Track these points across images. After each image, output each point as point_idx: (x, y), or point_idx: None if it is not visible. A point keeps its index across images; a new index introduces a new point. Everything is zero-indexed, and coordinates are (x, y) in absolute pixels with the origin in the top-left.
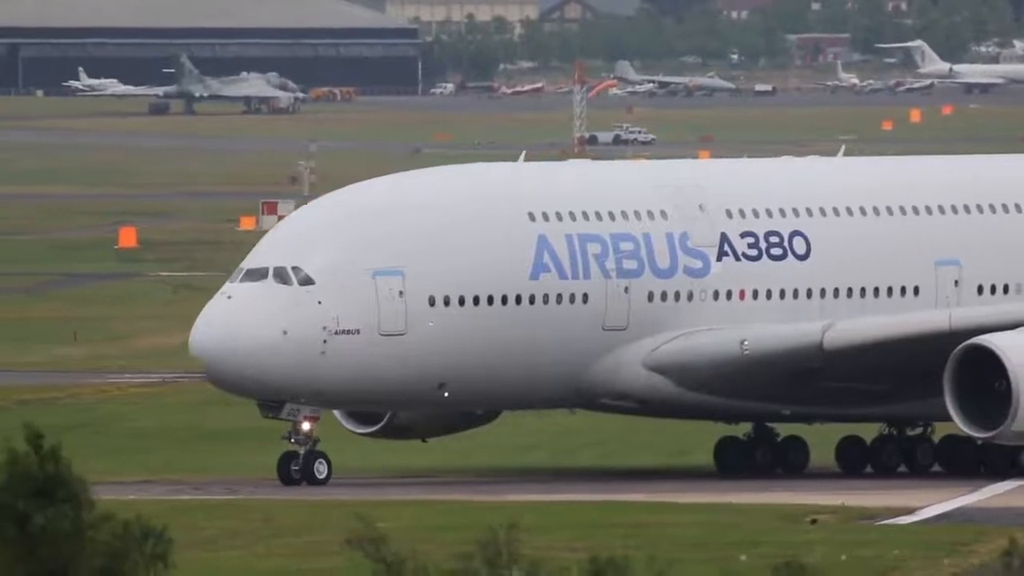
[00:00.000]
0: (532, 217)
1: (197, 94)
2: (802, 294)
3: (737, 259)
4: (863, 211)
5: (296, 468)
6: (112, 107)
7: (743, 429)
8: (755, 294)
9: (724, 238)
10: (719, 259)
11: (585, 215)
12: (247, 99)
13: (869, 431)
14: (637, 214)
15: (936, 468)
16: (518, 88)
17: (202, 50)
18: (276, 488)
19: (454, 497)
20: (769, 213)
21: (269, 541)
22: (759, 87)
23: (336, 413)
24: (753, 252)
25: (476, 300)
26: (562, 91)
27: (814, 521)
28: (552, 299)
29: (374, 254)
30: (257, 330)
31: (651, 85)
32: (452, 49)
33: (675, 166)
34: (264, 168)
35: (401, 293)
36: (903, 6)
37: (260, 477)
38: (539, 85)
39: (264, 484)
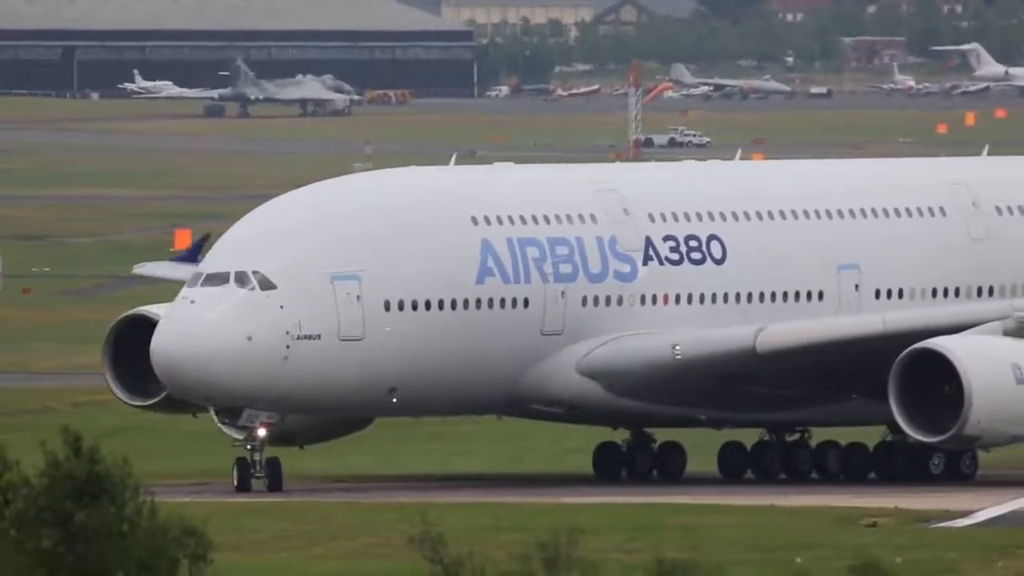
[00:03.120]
0: (475, 221)
1: (252, 97)
2: (720, 298)
3: (662, 263)
4: (771, 215)
5: (259, 475)
6: (167, 110)
7: (623, 435)
8: (677, 299)
9: (648, 242)
10: (645, 263)
11: (523, 219)
12: (302, 102)
13: (751, 436)
14: (569, 218)
15: (814, 474)
16: (574, 91)
17: (257, 53)
18: (332, 490)
19: (509, 499)
20: (687, 217)
21: (324, 543)
22: (814, 90)
23: (217, 421)
24: (675, 256)
25: (428, 305)
26: (617, 93)
27: (874, 524)
28: (496, 303)
29: (332, 258)
30: (222, 335)
31: (706, 88)
32: (507, 51)
33: (602, 169)
34: (319, 170)
35: (359, 298)
36: (958, 9)
37: (315, 480)
38: (595, 87)
39: (319, 487)
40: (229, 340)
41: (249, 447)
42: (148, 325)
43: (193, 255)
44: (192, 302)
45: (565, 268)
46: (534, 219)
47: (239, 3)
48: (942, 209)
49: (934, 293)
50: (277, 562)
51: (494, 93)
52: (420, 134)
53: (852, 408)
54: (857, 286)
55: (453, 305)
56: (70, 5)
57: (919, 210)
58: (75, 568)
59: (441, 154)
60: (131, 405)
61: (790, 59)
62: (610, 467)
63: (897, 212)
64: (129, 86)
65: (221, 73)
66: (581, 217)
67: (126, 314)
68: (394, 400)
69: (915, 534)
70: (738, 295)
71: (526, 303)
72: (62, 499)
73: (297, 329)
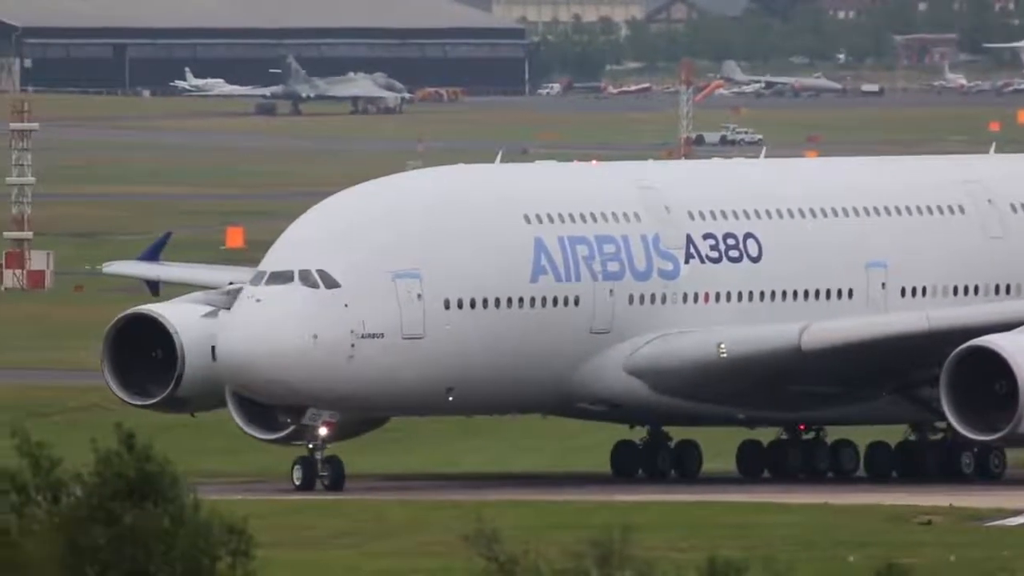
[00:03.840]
0: (527, 219)
1: (304, 94)
2: (756, 297)
3: (703, 261)
4: (802, 213)
5: (324, 475)
6: (218, 107)
7: (639, 434)
8: (717, 297)
9: (689, 240)
10: (686, 261)
11: (572, 217)
12: (354, 99)
13: (768, 435)
14: (615, 216)
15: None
16: (625, 88)
17: (309, 50)
18: (386, 488)
19: (564, 497)
20: (724, 215)
21: (378, 541)
22: (866, 87)
23: (237, 420)
24: (714, 254)
25: (485, 303)
26: (669, 91)
27: (929, 522)
28: (549, 302)
29: (393, 256)
30: (289, 335)
31: (758, 85)
32: (559, 49)
33: (641, 168)
34: (370, 168)
35: (420, 296)
36: (1011, 6)
37: (370, 478)
38: (646, 85)
39: (375, 485)
40: (296, 339)
41: (311, 446)
42: (148, 324)
43: (154, 254)
44: (258, 301)
45: (613, 266)
46: (582, 217)
47: (290, 1)
48: (961, 207)
49: (955, 291)
50: (331, 559)
51: (545, 91)
52: (471, 132)
53: (880, 406)
54: (884, 284)
55: (508, 303)
56: (122, 3)
57: (939, 208)
58: (124, 567)
59: (492, 152)
60: (131, 404)
61: (842, 57)
62: (627, 465)
63: (919, 210)
64: (180, 84)
65: (272, 71)
66: (626, 215)
67: (126, 313)
68: (450, 399)
69: (969, 532)
70: (773, 293)
71: (576, 301)
72: (112, 498)
73: (361, 328)
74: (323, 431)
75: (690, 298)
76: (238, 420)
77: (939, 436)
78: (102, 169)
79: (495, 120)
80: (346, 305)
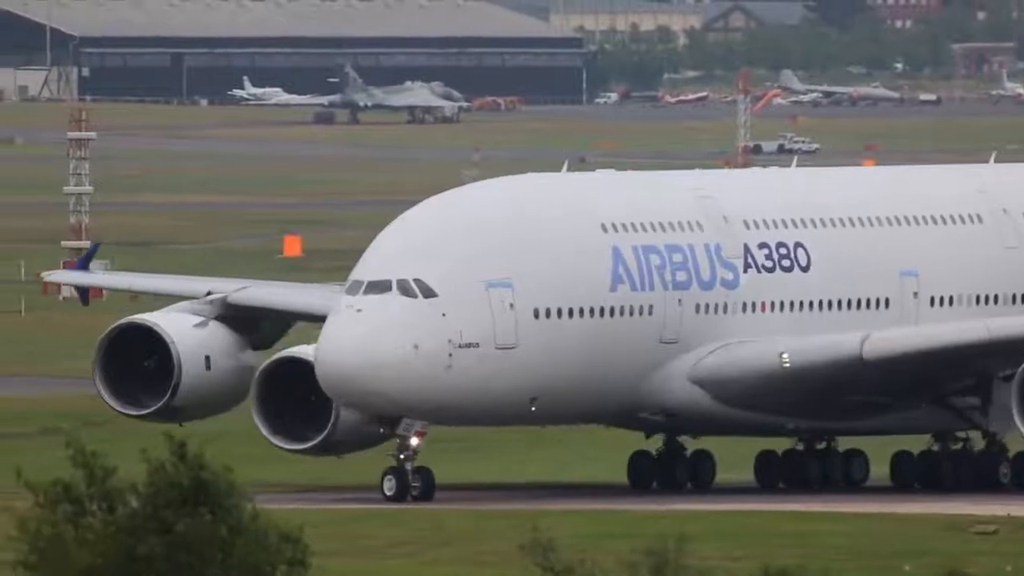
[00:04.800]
0: (604, 228)
1: (361, 103)
2: (806, 306)
3: (759, 271)
4: (842, 223)
5: (415, 486)
6: (277, 116)
7: (656, 444)
8: (772, 306)
9: (747, 249)
10: (745, 271)
11: (643, 226)
12: (411, 108)
13: (783, 445)
14: (681, 225)
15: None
16: (682, 97)
17: (366, 59)
18: (442, 497)
19: (620, 507)
20: (775, 224)
21: (436, 550)
22: (923, 96)
23: (263, 430)
24: (769, 264)
25: (570, 312)
26: (726, 100)
27: (996, 531)
28: (626, 311)
29: (485, 265)
30: (390, 345)
31: (815, 94)
32: (616, 59)
33: (696, 176)
34: (429, 177)
35: (512, 305)
36: None
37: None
38: (703, 94)
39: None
40: (397, 349)
41: (402, 456)
42: (139, 334)
43: (83, 264)
44: (359, 311)
45: (681, 276)
46: (651, 226)
47: (348, 10)
48: (979, 217)
49: (977, 300)
50: (389, 569)
51: (602, 100)
52: (528, 141)
53: (915, 416)
54: (916, 293)
55: (591, 313)
56: (179, 12)
57: (960, 218)
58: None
59: (550, 161)
60: (125, 414)
61: (899, 66)
62: (645, 476)
63: (943, 219)
64: (238, 93)
65: (330, 80)
66: (690, 225)
67: (120, 322)
68: (532, 409)
69: None
70: (819, 303)
71: (650, 311)
72: (166, 506)
73: (459, 337)
74: (414, 441)
75: (748, 308)
76: (264, 431)
77: (959, 446)
78: (159, 178)
79: (552, 129)
80: (444, 315)
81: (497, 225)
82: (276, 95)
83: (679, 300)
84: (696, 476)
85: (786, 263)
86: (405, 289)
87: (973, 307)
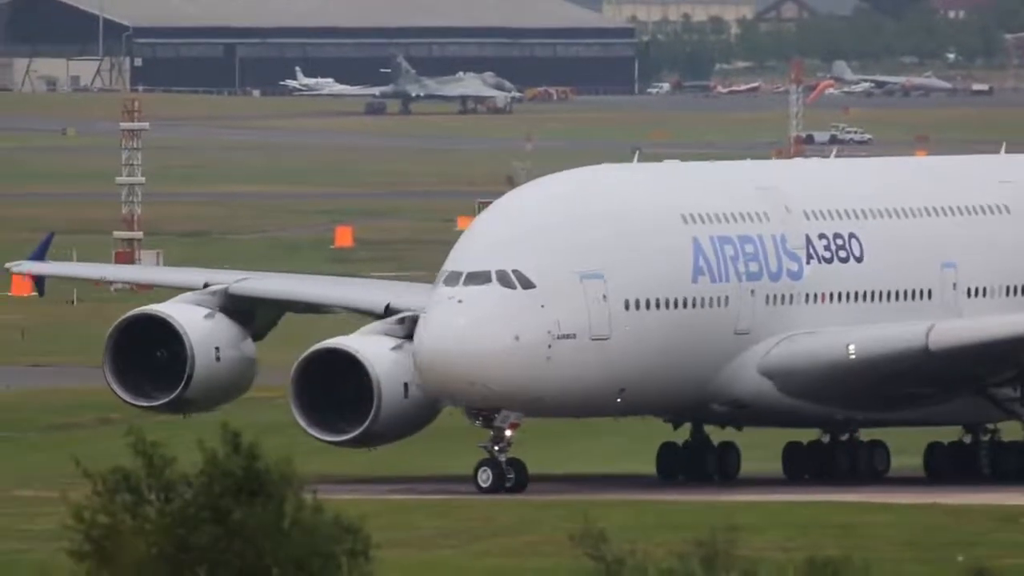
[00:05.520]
0: (684, 219)
1: (413, 94)
2: (861, 297)
3: (820, 262)
4: (890, 213)
5: (510, 477)
6: (329, 107)
7: (683, 435)
8: (831, 297)
9: (808, 240)
10: (808, 262)
11: (717, 217)
12: (463, 99)
13: (810, 436)
14: (749, 216)
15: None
16: (734, 88)
17: (418, 49)
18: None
19: (670, 497)
20: (831, 215)
21: (486, 540)
22: (976, 87)
23: (301, 421)
24: (827, 255)
25: (658, 304)
26: (778, 91)
27: None
28: (706, 302)
29: (579, 256)
30: (493, 336)
31: (868, 85)
32: (668, 49)
33: (755, 166)
34: (480, 168)
35: (605, 297)
36: None
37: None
38: (755, 85)
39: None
40: (500, 340)
41: (496, 448)
42: (150, 325)
43: (40, 255)
44: (460, 301)
45: (753, 267)
46: (724, 217)
47: (401, 0)
48: (1006, 207)
49: (1007, 291)
50: (439, 559)
51: (655, 90)
52: (580, 131)
53: (958, 406)
54: (955, 284)
55: (675, 304)
56: (232, 3)
57: (989, 208)
58: (234, 565)
59: (603, 151)
60: (136, 406)
61: (952, 56)
62: (672, 468)
63: (974, 210)
64: (291, 83)
65: (382, 70)
66: (757, 215)
67: (132, 313)
68: (618, 400)
69: None
70: (871, 294)
71: (726, 302)
72: (220, 496)
73: (557, 328)
74: (508, 433)
75: (811, 299)
76: (301, 422)
77: (986, 437)
78: (211, 169)
79: (604, 120)
80: (543, 306)
81: (588, 216)
82: (328, 85)
83: (752, 291)
84: (722, 467)
85: (843, 254)
86: (504, 280)
87: (1004, 298)
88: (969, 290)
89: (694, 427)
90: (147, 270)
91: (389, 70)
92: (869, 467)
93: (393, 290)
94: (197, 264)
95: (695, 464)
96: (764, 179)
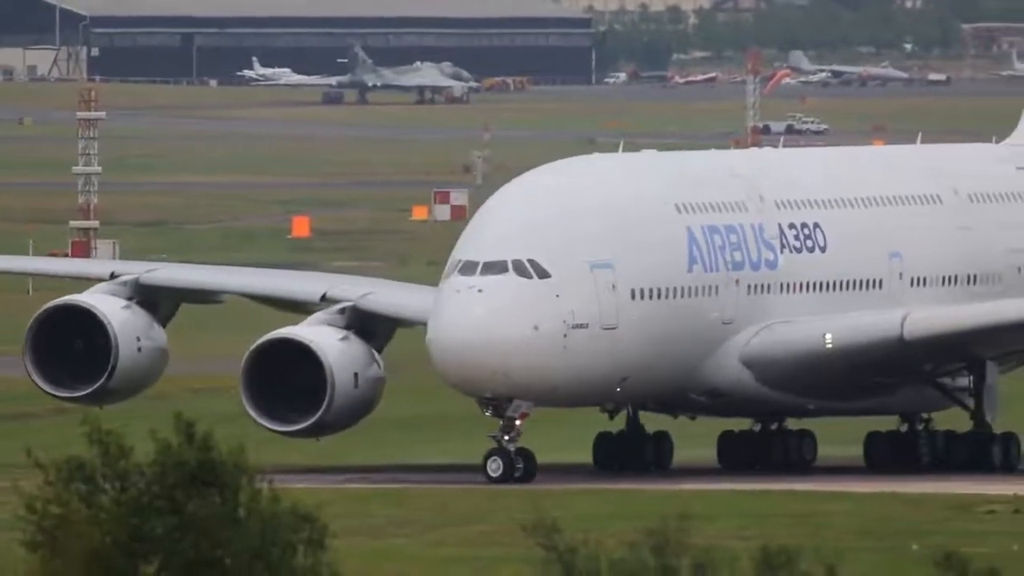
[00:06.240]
0: (678, 209)
1: (370, 84)
2: (823, 287)
3: (792, 251)
4: (846, 203)
5: (519, 467)
6: (285, 97)
7: (619, 425)
8: (800, 287)
9: (781, 230)
10: (782, 251)
11: (704, 206)
12: (420, 89)
13: (742, 426)
14: (729, 205)
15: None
16: (691, 78)
17: (375, 39)
18: (445, 477)
19: (624, 486)
20: (797, 204)
21: (440, 529)
22: (932, 77)
23: (251, 412)
24: (797, 244)
25: (659, 293)
26: (736, 81)
27: (992, 511)
28: (698, 292)
29: (589, 246)
30: (513, 325)
31: (824, 75)
32: (625, 39)
33: (727, 156)
34: (437, 158)
35: (614, 286)
36: None
37: (432, 468)
38: (713, 75)
39: (439, 474)
40: (520, 329)
41: (506, 437)
42: (74, 315)
43: None
44: (480, 291)
45: (737, 256)
46: (711, 207)
47: None
48: (939, 197)
49: (943, 281)
50: (393, 547)
51: (612, 80)
52: (538, 121)
53: (908, 395)
54: (901, 274)
55: (673, 293)
56: None
57: (924, 198)
58: (189, 556)
59: (559, 141)
60: (58, 397)
61: (909, 46)
62: (609, 458)
63: (912, 200)
64: (248, 73)
65: (339, 60)
66: (737, 205)
67: (54, 303)
68: (618, 389)
69: None
70: (833, 283)
71: (716, 291)
72: (175, 486)
73: (571, 318)
74: (519, 423)
75: (785, 288)
76: (252, 412)
77: (921, 427)
78: (168, 158)
79: (561, 110)
80: (558, 296)
81: (593, 206)
82: (285, 75)
83: (737, 281)
84: (657, 457)
85: (810, 243)
86: (521, 269)
87: (941, 288)
88: (912, 280)
89: (630, 417)
90: (52, 262)
91: (346, 60)
92: (799, 456)
93: (327, 280)
94: (156, 253)
95: (631, 454)
96: (738, 168)
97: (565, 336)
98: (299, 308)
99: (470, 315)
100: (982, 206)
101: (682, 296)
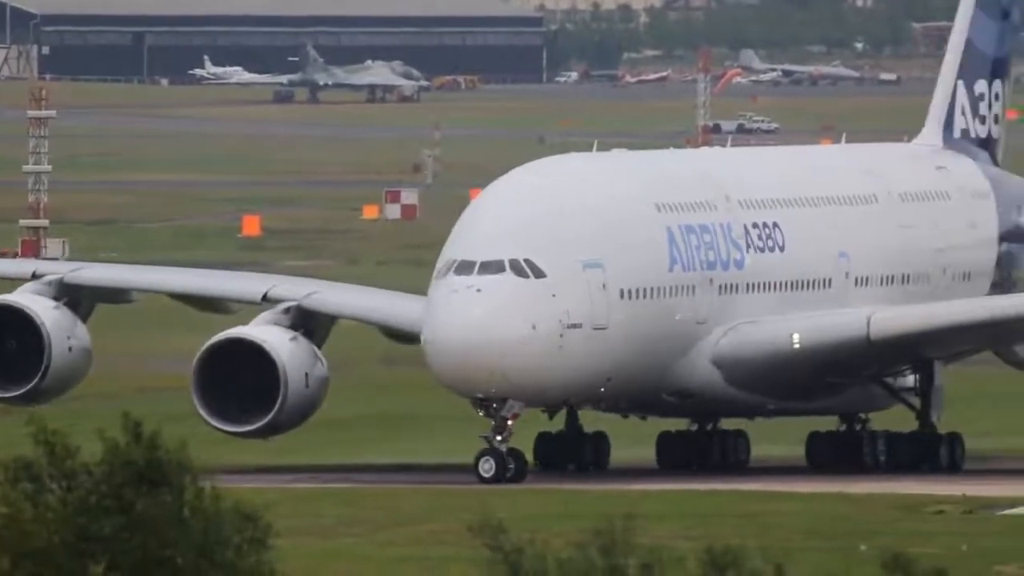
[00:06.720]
0: (658, 208)
1: (321, 82)
2: (783, 287)
3: (755, 251)
4: (800, 203)
5: (511, 467)
6: (237, 95)
7: (557, 425)
8: (763, 286)
9: (746, 229)
10: (747, 250)
11: (681, 206)
12: (371, 87)
13: (679, 426)
14: (702, 204)
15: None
16: (642, 77)
17: (327, 38)
18: (396, 477)
19: (572, 486)
20: (758, 204)
21: (390, 529)
22: (883, 76)
23: (202, 412)
24: (760, 243)
25: (645, 293)
26: (687, 80)
27: (941, 511)
28: (677, 291)
29: (580, 246)
30: (512, 325)
31: (775, 74)
32: (577, 37)
33: (692, 155)
34: (388, 157)
35: (604, 286)
36: None
37: (383, 466)
38: (664, 74)
39: (390, 473)
40: (519, 329)
41: (499, 438)
42: (8, 313)
43: None
44: (479, 290)
45: (710, 255)
46: (686, 206)
47: None
48: (876, 196)
49: (881, 281)
50: (342, 547)
51: (563, 79)
52: (489, 120)
53: (857, 394)
54: (847, 274)
55: (656, 293)
56: None
57: (863, 198)
58: (137, 555)
59: (510, 140)
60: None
61: (859, 45)
62: (550, 457)
63: (854, 199)
64: (199, 72)
65: (291, 59)
66: (708, 204)
67: None
68: (602, 389)
69: (981, 521)
70: (791, 283)
71: (693, 291)
72: (122, 486)
73: (567, 318)
74: (510, 423)
75: (751, 288)
76: (203, 412)
77: (858, 427)
78: (119, 157)
79: (512, 108)
80: (553, 295)
81: (581, 205)
82: (236, 74)
83: (710, 280)
84: (595, 457)
85: (771, 243)
86: (518, 269)
87: (880, 287)
88: (857, 280)
89: (569, 416)
90: None
91: (297, 59)
92: (735, 457)
93: (267, 280)
94: (106, 252)
95: (571, 453)
96: (704, 167)
97: (561, 336)
98: (221, 308)
99: (470, 315)
100: (912, 206)
101: (665, 296)
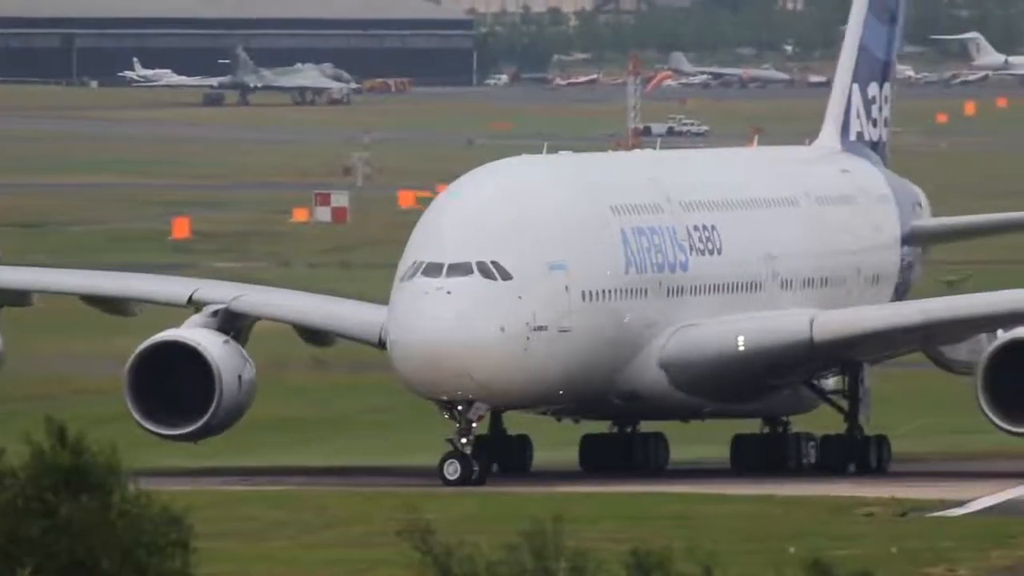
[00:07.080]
0: (613, 211)
1: (252, 85)
2: (721, 289)
3: (698, 254)
4: (734, 205)
5: (476, 469)
6: (166, 98)
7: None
8: (703, 289)
9: (689, 232)
10: (691, 253)
11: (632, 208)
12: (301, 90)
13: (600, 429)
14: (650, 207)
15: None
16: (573, 80)
17: (258, 41)
18: (326, 479)
19: (502, 489)
20: (698, 207)
21: (319, 532)
22: (813, 78)
23: (136, 415)
24: (701, 246)
25: (603, 295)
26: (617, 83)
27: (871, 514)
28: (631, 294)
29: (544, 248)
30: (481, 327)
31: (705, 76)
32: (507, 40)
33: (637, 158)
34: (318, 159)
35: (567, 288)
36: None
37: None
38: (594, 77)
39: (319, 476)
40: (488, 331)
41: (464, 441)
42: None
43: None
44: (449, 292)
45: (659, 258)
46: (637, 209)
47: None
48: (796, 199)
49: (803, 283)
50: (271, 551)
51: (493, 82)
52: (419, 123)
53: (787, 397)
54: (775, 276)
55: (614, 295)
56: None
57: (785, 200)
58: (63, 559)
59: (441, 143)
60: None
61: (790, 48)
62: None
63: (777, 202)
64: (128, 74)
65: (221, 61)
66: (655, 207)
67: None
68: (560, 392)
69: (911, 524)
70: (727, 286)
71: (645, 293)
72: (48, 489)
73: (533, 320)
74: (475, 425)
75: (694, 290)
76: (136, 415)
77: (780, 430)
78: (48, 159)
79: (442, 111)
80: (520, 297)
81: (545, 208)
82: (166, 76)
83: (660, 283)
84: (520, 459)
85: (711, 245)
86: (485, 271)
87: (803, 291)
88: (782, 282)
89: (493, 419)
90: None
91: (228, 61)
92: (656, 459)
93: (189, 284)
94: (34, 254)
95: (498, 456)
96: (648, 170)
97: (528, 339)
98: (125, 311)
99: (441, 317)
100: (826, 208)
101: (621, 298)
